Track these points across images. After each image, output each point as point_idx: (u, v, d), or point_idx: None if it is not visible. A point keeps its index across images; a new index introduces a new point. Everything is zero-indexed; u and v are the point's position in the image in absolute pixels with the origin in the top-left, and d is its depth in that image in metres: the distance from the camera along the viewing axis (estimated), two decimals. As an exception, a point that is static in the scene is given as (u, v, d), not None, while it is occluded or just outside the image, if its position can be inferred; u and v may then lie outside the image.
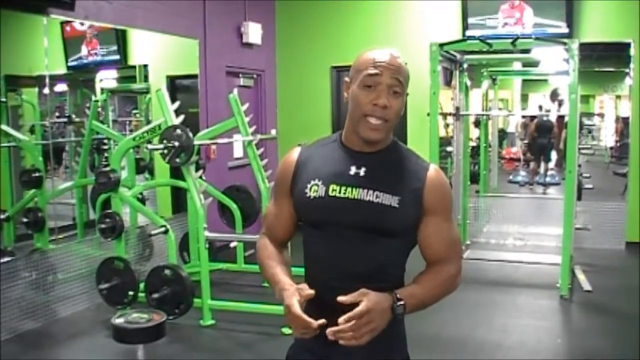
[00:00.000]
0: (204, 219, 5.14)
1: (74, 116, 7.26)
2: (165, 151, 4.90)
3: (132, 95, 7.98)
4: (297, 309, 1.68)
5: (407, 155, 1.87)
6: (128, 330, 3.90)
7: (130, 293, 5.18)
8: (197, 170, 5.39)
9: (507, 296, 5.92)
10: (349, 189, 1.78)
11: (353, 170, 1.81)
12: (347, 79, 1.85)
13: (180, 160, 4.92)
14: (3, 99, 6.00)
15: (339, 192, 1.79)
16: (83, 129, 6.81)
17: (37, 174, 5.69)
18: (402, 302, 1.72)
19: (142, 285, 5.16)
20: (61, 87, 6.98)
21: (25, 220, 5.73)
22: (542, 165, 11.04)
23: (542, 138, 10.98)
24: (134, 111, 8.10)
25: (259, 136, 6.29)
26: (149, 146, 4.93)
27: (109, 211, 5.21)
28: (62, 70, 6.85)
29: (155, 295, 4.93)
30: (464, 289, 6.47)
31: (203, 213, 5.13)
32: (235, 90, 6.33)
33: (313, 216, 1.85)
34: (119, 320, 3.94)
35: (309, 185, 1.83)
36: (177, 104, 5.15)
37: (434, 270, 1.84)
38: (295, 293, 1.72)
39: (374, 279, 1.76)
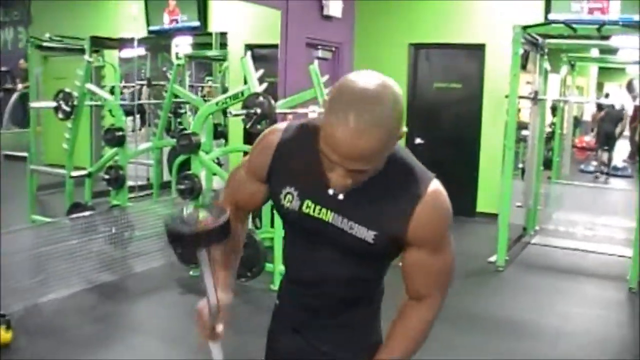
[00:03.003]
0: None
1: (152, 80, 7.50)
2: (247, 117, 5.01)
3: (207, 62, 8.15)
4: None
5: (402, 176, 1.57)
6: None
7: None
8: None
9: (573, 283, 5.92)
10: (324, 211, 1.59)
11: (332, 190, 1.56)
12: (326, 98, 1.47)
13: (262, 127, 5.04)
14: (90, 59, 6.22)
15: (313, 211, 1.60)
16: (164, 92, 7.01)
17: (120, 133, 5.90)
18: None
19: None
20: (140, 50, 7.20)
21: (106, 177, 5.95)
22: (606, 154, 10.89)
23: (609, 127, 10.81)
24: (208, 78, 8.28)
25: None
26: (232, 111, 5.03)
27: (189, 172, 5.37)
28: (143, 34, 7.06)
29: (229, 258, 5.08)
30: (529, 273, 6.52)
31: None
32: (316, 62, 6.41)
33: (287, 220, 1.69)
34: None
35: (283, 192, 1.64)
36: (260, 71, 5.24)
37: (406, 322, 1.66)
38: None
39: (348, 286, 1.67)
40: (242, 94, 5.15)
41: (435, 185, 1.56)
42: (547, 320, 4.91)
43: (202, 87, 8.29)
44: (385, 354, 1.65)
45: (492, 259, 6.16)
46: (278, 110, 5.22)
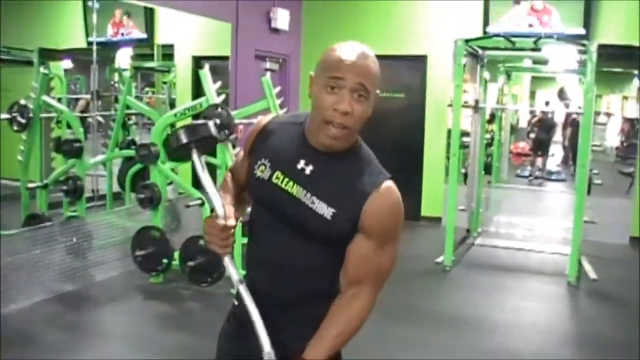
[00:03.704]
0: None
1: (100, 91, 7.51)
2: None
3: (148, 73, 8.21)
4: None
5: (364, 164, 1.73)
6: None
7: (165, 261, 5.50)
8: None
9: (518, 281, 6.26)
10: (290, 183, 1.72)
11: (301, 164, 1.73)
12: (312, 73, 1.74)
13: (221, 137, 5.22)
14: (45, 71, 6.29)
15: (281, 182, 1.74)
16: (114, 104, 7.07)
17: (78, 144, 5.98)
18: None
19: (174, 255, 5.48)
20: (85, 62, 7.21)
21: (64, 188, 6.01)
22: (540, 159, 11.34)
23: (543, 133, 11.29)
24: (148, 89, 8.33)
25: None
26: (195, 122, 5.20)
27: (148, 182, 5.52)
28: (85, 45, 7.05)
29: (190, 264, 5.24)
30: (478, 272, 6.83)
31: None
32: (268, 74, 6.63)
33: (255, 194, 1.85)
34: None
35: (258, 163, 1.80)
36: (218, 83, 5.42)
37: (343, 307, 1.72)
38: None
39: (305, 275, 1.75)
40: (201, 105, 5.32)
41: (390, 183, 1.71)
42: (496, 314, 5.23)
43: (142, 98, 8.35)
44: (317, 341, 1.70)
45: (439, 259, 6.45)
46: (237, 121, 5.40)
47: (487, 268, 6.55)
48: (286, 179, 1.73)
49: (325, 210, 1.67)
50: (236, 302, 1.90)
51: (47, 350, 4.29)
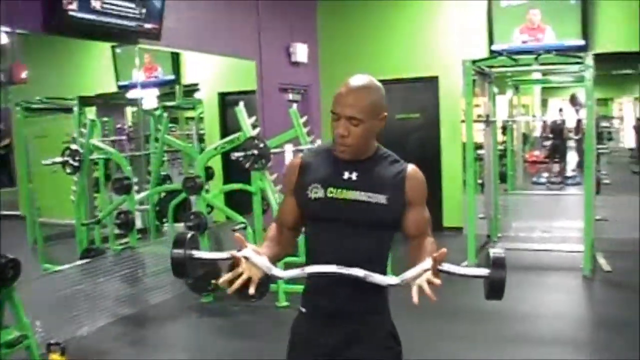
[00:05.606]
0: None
1: (132, 133, 7.98)
2: (245, 159, 5.77)
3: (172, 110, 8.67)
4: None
5: (389, 160, 2.20)
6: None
7: (213, 282, 6.06)
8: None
9: (537, 277, 6.79)
10: (344, 191, 2.11)
11: (346, 175, 2.14)
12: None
13: (259, 166, 5.80)
14: (93, 118, 6.89)
15: (337, 194, 2.12)
16: (147, 144, 7.59)
17: (127, 181, 6.58)
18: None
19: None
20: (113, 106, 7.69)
21: (117, 222, 6.60)
22: (557, 165, 11.75)
23: (556, 139, 11.74)
24: (171, 125, 8.79)
25: (318, 142, 7.08)
26: (235, 154, 5.78)
27: (195, 210, 6.10)
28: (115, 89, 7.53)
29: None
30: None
31: (277, 210, 5.96)
32: (295, 105, 7.21)
33: (315, 213, 2.17)
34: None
35: (310, 187, 2.15)
36: (253, 118, 6.00)
37: (423, 243, 2.16)
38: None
39: (365, 262, 2.04)
40: (239, 138, 5.91)
41: (413, 165, 2.21)
42: (518, 306, 5.72)
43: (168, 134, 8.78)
44: (427, 256, 2.02)
45: (464, 264, 6.95)
46: (272, 150, 5.98)
47: (509, 268, 6.98)
48: (339, 190, 2.13)
49: (381, 198, 2.12)
50: (303, 310, 2.24)
51: (122, 362, 4.88)
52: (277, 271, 2.02)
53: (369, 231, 2.14)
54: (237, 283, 1.96)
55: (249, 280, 1.96)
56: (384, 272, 2.12)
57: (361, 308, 2.16)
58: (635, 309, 5.55)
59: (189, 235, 2.11)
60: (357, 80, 2.13)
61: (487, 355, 4.75)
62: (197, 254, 2.09)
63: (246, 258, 1.96)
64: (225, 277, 1.98)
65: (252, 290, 1.95)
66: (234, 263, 2.00)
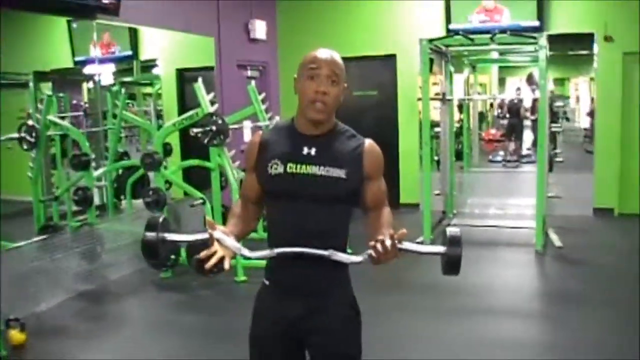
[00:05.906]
0: (237, 192, 6.01)
1: (89, 109, 7.90)
2: (204, 134, 5.79)
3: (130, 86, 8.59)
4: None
5: (347, 135, 2.24)
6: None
7: (173, 257, 6.10)
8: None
9: (491, 253, 6.96)
10: (304, 166, 2.15)
11: (305, 150, 2.17)
12: (295, 76, 2.20)
13: (217, 142, 5.82)
14: (50, 94, 6.82)
15: (296, 169, 2.15)
16: (105, 120, 7.51)
17: (85, 158, 6.54)
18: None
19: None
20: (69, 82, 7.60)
21: (75, 198, 6.57)
22: (513, 143, 11.92)
23: (513, 118, 11.90)
24: (128, 101, 8.73)
25: (276, 119, 7.13)
26: (194, 130, 5.80)
27: (154, 187, 6.11)
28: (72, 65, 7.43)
29: (197, 257, 5.82)
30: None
31: (237, 187, 5.98)
32: (253, 82, 7.23)
33: (275, 189, 2.20)
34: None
35: (270, 164, 2.18)
36: (212, 94, 6.01)
37: (381, 214, 2.24)
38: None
39: (325, 237, 2.14)
40: (197, 114, 5.92)
41: (369, 140, 2.25)
42: (471, 280, 5.82)
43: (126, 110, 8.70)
44: (382, 230, 2.11)
45: (419, 240, 7.09)
46: (231, 126, 6.01)
47: (463, 244, 7.14)
48: (299, 165, 2.16)
49: (339, 172, 2.15)
50: (267, 282, 2.30)
51: (79, 337, 4.92)
52: (247, 252, 2.09)
53: (328, 205, 2.18)
54: (212, 261, 2.04)
55: (222, 258, 2.05)
56: (344, 246, 2.22)
57: (323, 282, 2.22)
58: (584, 282, 5.77)
59: (161, 219, 2.17)
60: (328, 49, 2.20)
61: (444, 326, 4.89)
62: (170, 236, 2.15)
63: (218, 241, 2.04)
64: (202, 254, 2.05)
65: (227, 265, 2.04)
66: (208, 241, 2.07)
